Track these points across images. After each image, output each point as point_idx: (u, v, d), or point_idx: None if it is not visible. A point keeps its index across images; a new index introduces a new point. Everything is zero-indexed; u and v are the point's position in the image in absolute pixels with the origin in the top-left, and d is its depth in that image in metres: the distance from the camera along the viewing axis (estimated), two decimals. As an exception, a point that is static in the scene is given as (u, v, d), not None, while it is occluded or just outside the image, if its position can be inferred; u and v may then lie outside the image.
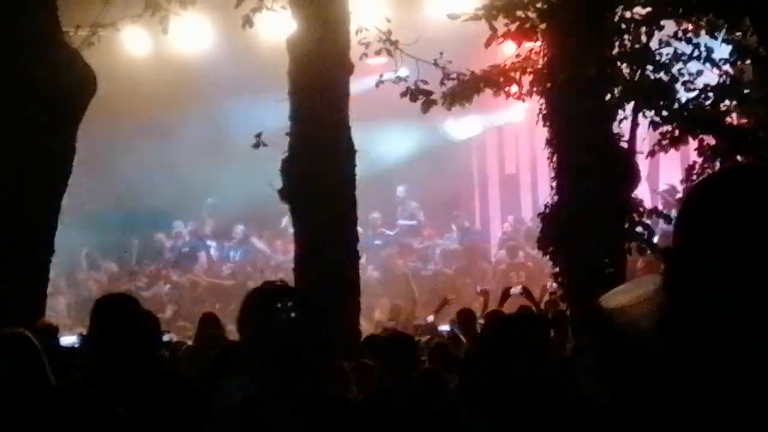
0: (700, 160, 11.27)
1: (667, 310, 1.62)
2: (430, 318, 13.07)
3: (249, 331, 3.45)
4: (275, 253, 20.09)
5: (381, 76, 12.41)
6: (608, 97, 11.10)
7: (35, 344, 4.17)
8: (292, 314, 3.43)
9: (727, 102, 11.30)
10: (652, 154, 11.79)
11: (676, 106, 11.15)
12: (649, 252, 11.21)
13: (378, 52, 12.28)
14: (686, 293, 1.59)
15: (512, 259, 19.48)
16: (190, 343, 9.86)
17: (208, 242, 21.02)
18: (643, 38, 11.11)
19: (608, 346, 1.70)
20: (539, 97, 11.59)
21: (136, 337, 4.51)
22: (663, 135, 11.39)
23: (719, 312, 1.56)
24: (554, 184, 11.52)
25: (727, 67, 11.23)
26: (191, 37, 17.39)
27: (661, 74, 11.11)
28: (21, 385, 3.83)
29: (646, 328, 1.63)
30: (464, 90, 12.09)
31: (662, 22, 11.13)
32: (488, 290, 13.47)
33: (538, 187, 19.98)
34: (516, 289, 11.17)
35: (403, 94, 12.11)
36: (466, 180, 22.05)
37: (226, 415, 3.43)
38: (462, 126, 20.13)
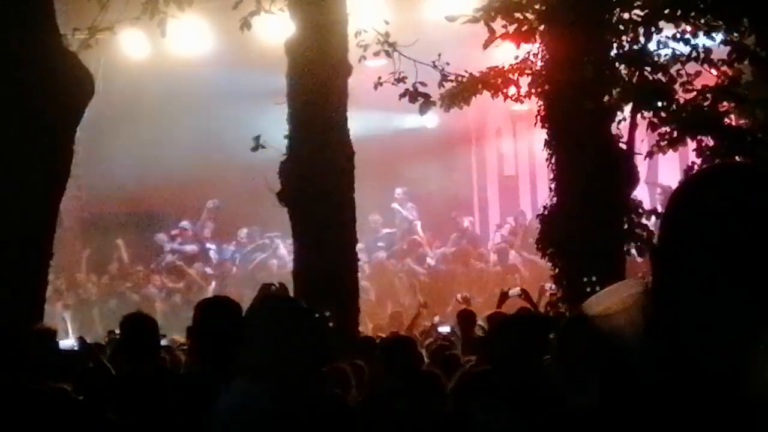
0: (698, 161, 11.26)
1: (655, 311, 1.60)
2: (436, 319, 13.10)
3: (259, 338, 3.52)
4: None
5: (379, 78, 12.40)
6: (607, 98, 11.10)
7: None
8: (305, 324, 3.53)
9: (725, 103, 11.29)
10: (650, 155, 11.78)
11: (674, 107, 11.15)
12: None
13: (376, 54, 12.27)
14: (682, 293, 1.58)
15: (502, 261, 19.48)
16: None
17: (208, 245, 21.03)
18: (642, 39, 11.11)
19: (593, 351, 1.69)
20: (538, 98, 11.59)
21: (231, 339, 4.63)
22: (661, 136, 11.38)
23: (718, 312, 1.55)
24: (553, 185, 11.52)
25: (725, 68, 11.23)
26: (189, 39, 17.39)
27: (660, 75, 11.11)
28: None
29: (631, 334, 1.62)
30: (462, 91, 12.10)
31: (660, 24, 11.13)
32: (469, 297, 13.49)
33: (537, 188, 19.97)
34: (514, 291, 11.16)
35: (402, 96, 12.12)
36: (465, 182, 22.04)
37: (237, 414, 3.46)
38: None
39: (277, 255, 19.54)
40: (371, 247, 19.69)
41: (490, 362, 4.78)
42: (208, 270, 20.45)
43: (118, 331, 7.99)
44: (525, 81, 11.79)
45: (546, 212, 11.51)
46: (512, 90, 11.95)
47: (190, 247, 20.68)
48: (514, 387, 4.11)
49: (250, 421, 3.46)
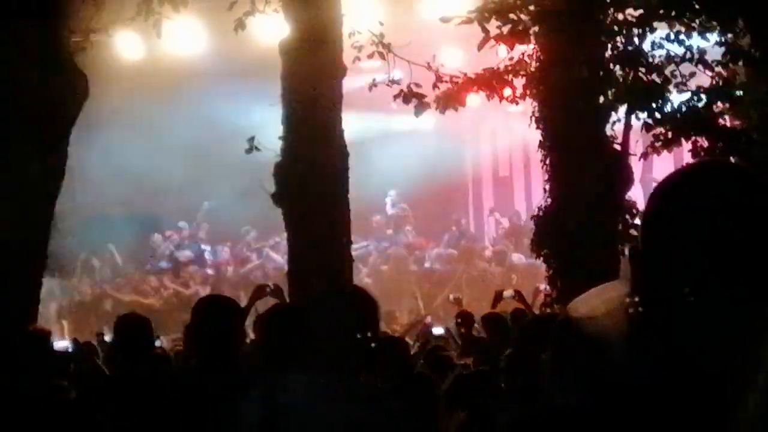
0: (693, 161, 11.25)
1: (645, 310, 1.60)
2: (428, 319, 13.10)
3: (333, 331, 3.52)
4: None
5: (374, 79, 12.40)
6: (601, 99, 11.10)
7: None
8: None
9: (720, 104, 11.30)
10: (645, 155, 11.79)
11: (668, 108, 11.15)
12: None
13: (371, 55, 12.27)
14: (675, 291, 1.57)
15: (498, 264, 19.50)
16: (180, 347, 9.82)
17: (203, 246, 21.03)
18: (636, 40, 11.11)
19: (581, 353, 1.69)
20: (532, 99, 11.60)
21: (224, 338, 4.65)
22: (656, 137, 11.39)
23: (711, 310, 1.54)
24: (547, 186, 11.51)
25: (719, 69, 11.24)
26: (184, 40, 17.39)
27: (654, 76, 11.12)
28: None
29: (616, 335, 1.61)
30: (457, 92, 12.10)
31: (655, 24, 11.13)
32: (461, 298, 13.50)
33: (532, 189, 19.99)
34: (508, 293, 11.15)
35: (396, 97, 12.12)
36: (459, 183, 22.06)
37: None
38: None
39: (273, 259, 19.55)
40: (378, 247, 19.78)
41: (509, 362, 4.74)
42: (205, 271, 20.44)
43: (106, 333, 7.98)
44: (520, 82, 11.80)
45: (540, 213, 11.51)
46: (507, 91, 11.97)
47: (186, 253, 20.67)
48: (523, 388, 4.09)
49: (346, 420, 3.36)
